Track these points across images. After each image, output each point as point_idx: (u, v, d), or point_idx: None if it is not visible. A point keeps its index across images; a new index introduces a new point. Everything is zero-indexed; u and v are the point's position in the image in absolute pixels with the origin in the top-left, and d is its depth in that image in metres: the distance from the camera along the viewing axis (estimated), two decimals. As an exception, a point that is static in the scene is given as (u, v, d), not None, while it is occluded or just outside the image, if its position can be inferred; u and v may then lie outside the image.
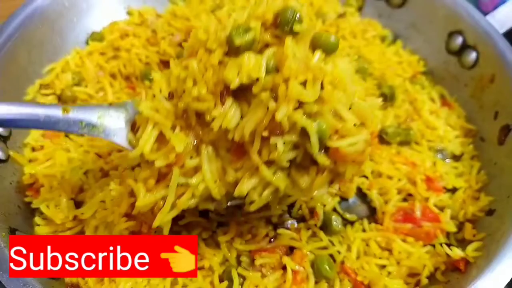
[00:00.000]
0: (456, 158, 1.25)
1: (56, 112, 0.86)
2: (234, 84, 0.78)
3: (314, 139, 0.77)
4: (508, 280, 0.90)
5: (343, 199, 1.13)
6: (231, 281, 0.98)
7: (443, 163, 1.21)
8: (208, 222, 1.05)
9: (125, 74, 1.35)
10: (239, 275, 0.99)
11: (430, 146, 1.24)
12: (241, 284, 0.99)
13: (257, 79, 0.77)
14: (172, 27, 1.41)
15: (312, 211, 1.08)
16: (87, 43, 1.42)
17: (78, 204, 1.07)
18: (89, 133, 0.90)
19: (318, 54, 0.81)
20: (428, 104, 1.32)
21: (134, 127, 0.91)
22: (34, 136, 1.19)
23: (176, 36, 1.38)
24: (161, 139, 0.86)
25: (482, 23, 1.31)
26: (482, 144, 1.26)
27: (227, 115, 0.80)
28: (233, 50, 0.81)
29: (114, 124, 0.91)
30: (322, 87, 0.78)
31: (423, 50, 1.48)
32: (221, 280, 0.99)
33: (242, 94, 0.81)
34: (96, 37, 1.41)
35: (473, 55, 1.33)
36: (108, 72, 1.34)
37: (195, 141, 0.86)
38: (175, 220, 1.00)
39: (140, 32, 1.40)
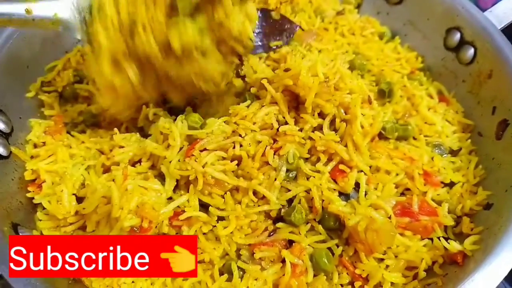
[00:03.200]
0: (453, 153, 1.26)
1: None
2: None
3: None
4: (506, 273, 0.91)
5: (342, 193, 1.14)
6: (231, 274, 0.99)
7: (441, 158, 1.21)
8: (208, 216, 1.05)
9: (125, 71, 1.36)
10: (239, 268, 1.00)
11: (428, 141, 1.24)
12: (241, 277, 1.00)
13: None
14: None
15: (311, 206, 1.09)
16: (88, 41, 1.43)
17: (80, 200, 1.08)
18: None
19: None
20: (426, 100, 1.32)
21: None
22: (36, 132, 1.21)
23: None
24: None
25: (479, 19, 1.32)
26: (479, 139, 1.26)
27: None
28: None
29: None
30: None
31: (421, 47, 1.49)
32: (221, 274, 1.01)
33: None
34: (97, 35, 1.42)
35: (471, 51, 1.34)
36: (109, 69, 1.35)
37: None
38: (175, 215, 1.01)
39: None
